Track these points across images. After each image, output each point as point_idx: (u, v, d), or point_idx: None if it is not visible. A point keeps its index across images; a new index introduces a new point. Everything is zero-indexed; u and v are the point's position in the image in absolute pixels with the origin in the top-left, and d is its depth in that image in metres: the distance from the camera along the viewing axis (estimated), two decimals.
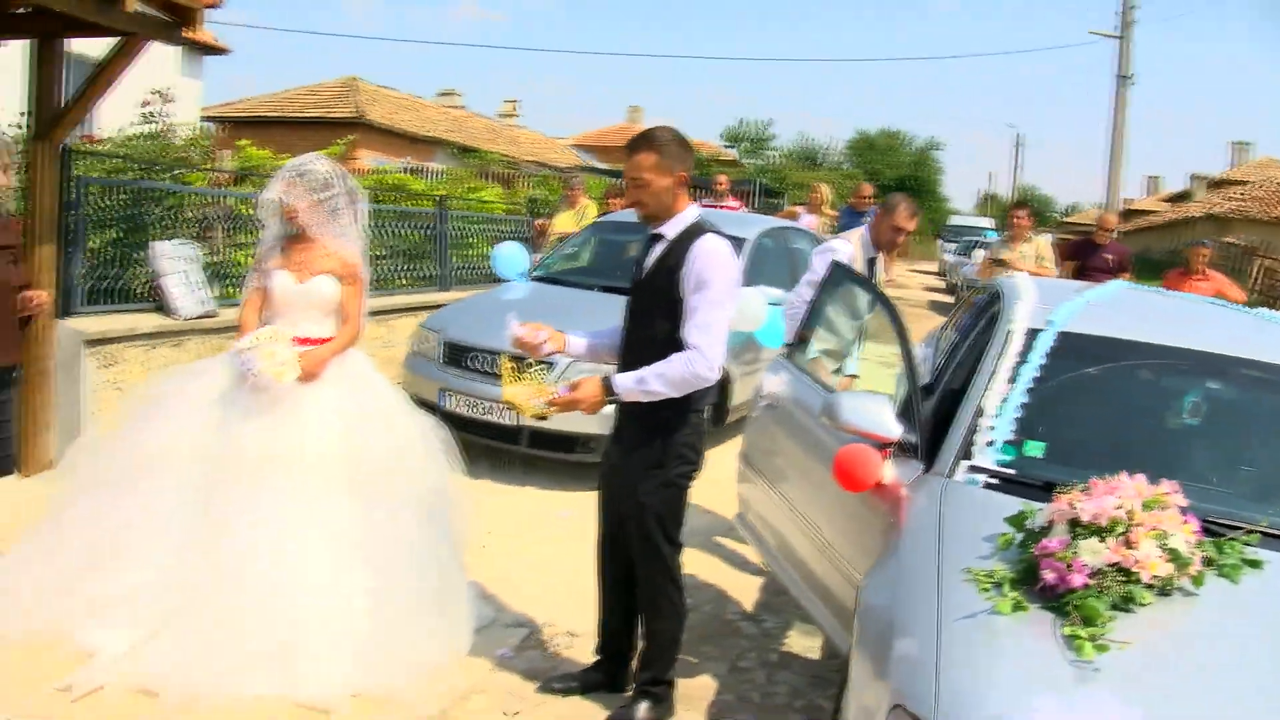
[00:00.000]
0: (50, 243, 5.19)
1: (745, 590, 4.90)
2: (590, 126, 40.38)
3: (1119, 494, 2.57)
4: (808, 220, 10.65)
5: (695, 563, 5.18)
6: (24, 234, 5.14)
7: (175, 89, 8.98)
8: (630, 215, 7.79)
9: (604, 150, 37.71)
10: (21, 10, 5.05)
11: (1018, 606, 2.44)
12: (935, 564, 2.66)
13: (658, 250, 3.42)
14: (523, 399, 3.39)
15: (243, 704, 3.34)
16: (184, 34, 5.20)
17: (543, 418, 3.45)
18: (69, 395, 5.46)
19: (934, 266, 34.74)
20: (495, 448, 6.52)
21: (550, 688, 3.74)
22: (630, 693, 3.63)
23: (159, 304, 6.21)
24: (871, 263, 5.28)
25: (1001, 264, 7.88)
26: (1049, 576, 2.46)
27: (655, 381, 3.25)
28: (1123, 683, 2.14)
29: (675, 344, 3.31)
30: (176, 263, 6.25)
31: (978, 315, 4.48)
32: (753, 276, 7.26)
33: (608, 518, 3.68)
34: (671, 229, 3.39)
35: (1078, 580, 2.42)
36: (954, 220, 35.43)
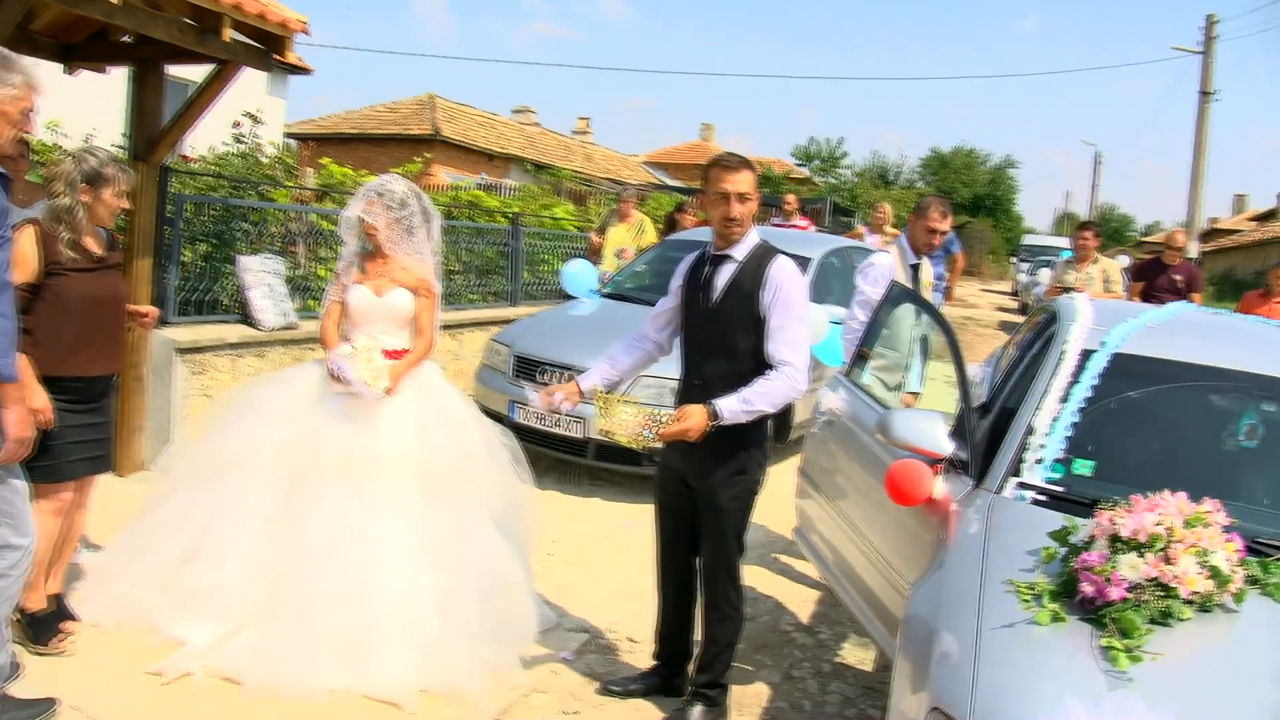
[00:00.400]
0: (147, 257, 5.52)
1: (801, 602, 5.00)
2: (663, 144, 40.57)
3: (1159, 511, 2.63)
4: (872, 240, 10.69)
5: (753, 575, 5.27)
6: (125, 249, 5.49)
7: (261, 108, 9.38)
8: (699, 234, 7.99)
9: (676, 167, 37.97)
10: (126, 39, 5.39)
11: (1056, 618, 2.52)
12: (978, 575, 2.75)
13: (728, 271, 3.56)
14: (623, 430, 3.50)
15: (317, 695, 3.53)
16: (274, 59, 5.49)
17: (645, 447, 3.55)
18: (160, 400, 5.79)
19: (1007, 286, 34.23)
20: (563, 460, 6.70)
21: (609, 690, 3.89)
22: (686, 696, 3.75)
23: (245, 315, 6.54)
24: (915, 269, 5.31)
25: (1068, 289, 7.81)
26: (1087, 589, 2.54)
27: (759, 401, 3.41)
28: (1154, 692, 2.21)
29: (757, 361, 3.48)
30: (262, 276, 6.57)
31: (1036, 335, 4.53)
32: (818, 295, 7.34)
33: (668, 524, 3.82)
34: (740, 250, 3.55)
35: (1115, 593, 2.50)
36: (1029, 240, 34.86)
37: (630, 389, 5.61)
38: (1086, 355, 3.66)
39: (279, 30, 5.13)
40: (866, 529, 4.01)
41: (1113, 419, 3.51)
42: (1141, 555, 2.56)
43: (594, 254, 10.14)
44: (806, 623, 4.77)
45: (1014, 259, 35.55)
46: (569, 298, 8.12)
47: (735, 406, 3.41)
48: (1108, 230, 50.50)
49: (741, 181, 3.50)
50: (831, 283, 7.78)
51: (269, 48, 5.28)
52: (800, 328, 3.48)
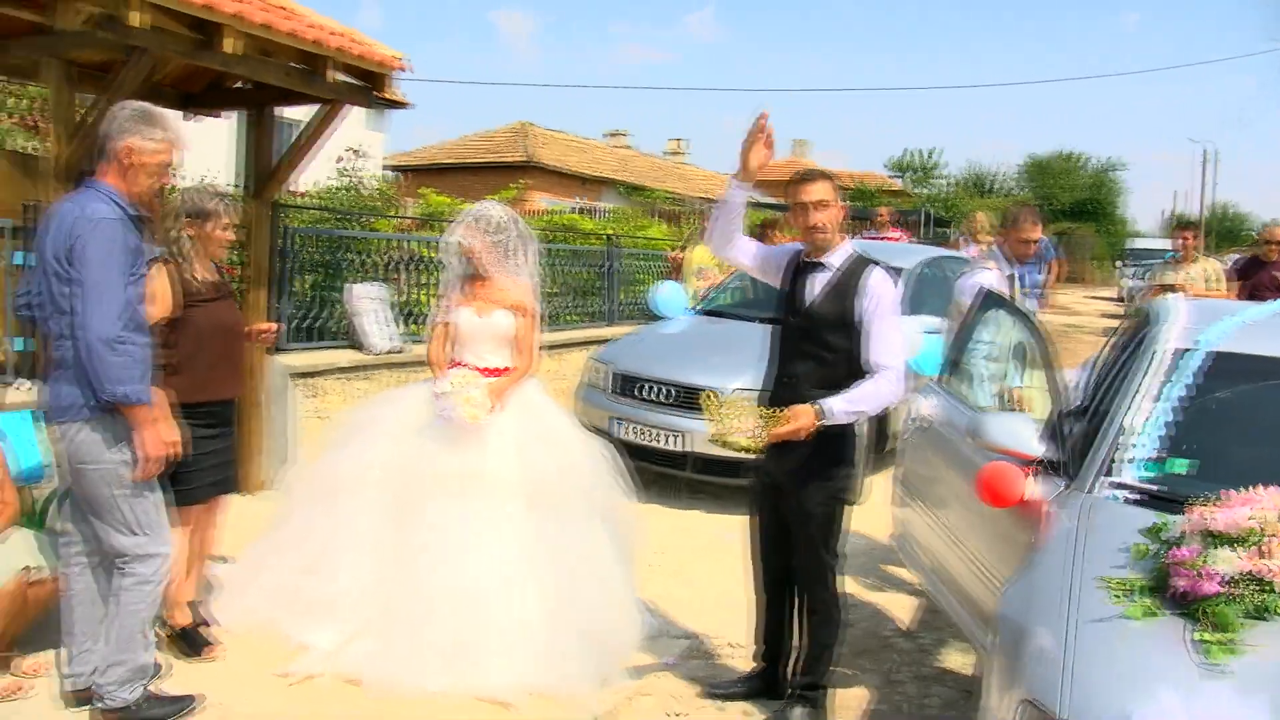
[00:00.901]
0: (262, 287, 5.87)
1: (902, 608, 5.03)
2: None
3: (1253, 506, 2.63)
4: (969, 249, 10.58)
5: (854, 582, 5.33)
6: (240, 280, 5.84)
7: (362, 143, 9.80)
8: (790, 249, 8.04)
9: (770, 184, 37.81)
10: (239, 85, 5.75)
11: (1149, 612, 2.53)
12: (1070, 573, 2.77)
13: (823, 278, 3.67)
14: (733, 434, 3.61)
15: (433, 696, 3.72)
16: (375, 96, 5.79)
17: (756, 450, 3.66)
18: (278, 423, 6.13)
19: (1113, 292, 33.23)
20: (664, 473, 6.83)
21: (712, 693, 3.99)
22: (787, 698, 3.83)
23: (353, 341, 6.86)
24: (1012, 279, 5.35)
25: (1169, 288, 7.65)
26: (1181, 584, 2.55)
27: (863, 402, 3.55)
28: (1249, 682, 2.21)
29: (852, 366, 3.59)
30: (368, 303, 6.89)
31: (1131, 337, 4.50)
32: (912, 306, 7.36)
33: (765, 530, 3.92)
34: (835, 259, 3.66)
35: (1210, 587, 2.50)
36: (1135, 244, 33.82)
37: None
38: (1181, 354, 3.64)
39: (379, 69, 5.42)
40: (962, 533, 4.04)
41: (1208, 417, 3.48)
42: (1235, 550, 2.56)
43: (675, 271, 9.93)
44: (907, 629, 4.80)
45: (1119, 264, 34.54)
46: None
47: (842, 406, 3.51)
48: (1221, 230, 48.60)
49: (816, 190, 3.63)
50: (926, 293, 7.76)
51: (370, 85, 5.57)
52: (897, 335, 3.61)
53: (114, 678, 3.36)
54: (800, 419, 3.48)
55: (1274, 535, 2.58)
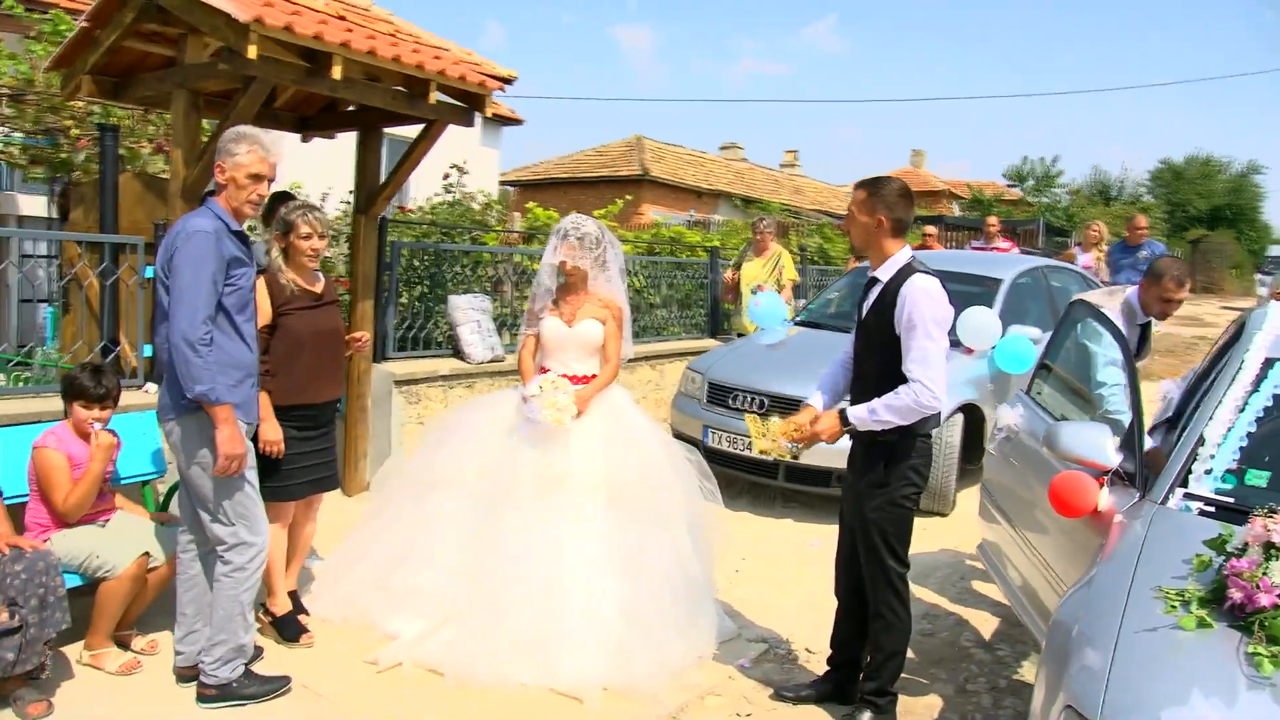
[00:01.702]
0: (369, 299, 6.17)
1: (984, 621, 4.98)
2: (872, 172, 39.96)
3: None
4: (1084, 259, 10.31)
5: (938, 593, 5.33)
6: (349, 293, 6.16)
7: (476, 158, 10.13)
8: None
9: None
10: (350, 108, 6.09)
11: (1202, 624, 2.51)
12: (1128, 582, 2.76)
13: (875, 292, 3.72)
14: (773, 446, 3.82)
15: (509, 687, 3.88)
16: (476, 116, 6.03)
17: (795, 456, 3.83)
18: (381, 427, 6.44)
19: (1251, 302, 31.58)
20: (757, 482, 6.90)
21: (781, 695, 4.05)
22: (855, 704, 3.86)
23: (455, 350, 7.14)
24: (1144, 328, 5.09)
25: None
26: (1236, 595, 2.52)
27: (885, 412, 3.58)
28: None
29: (893, 377, 3.60)
30: (470, 314, 7.16)
31: (1225, 346, 4.38)
32: (1011, 316, 7.26)
33: (845, 536, 3.98)
34: (885, 271, 3.69)
35: (1265, 600, 2.47)
36: (1276, 250, 32.06)
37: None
38: (1270, 364, 3.56)
39: (478, 90, 5.65)
40: (1039, 543, 4.01)
41: None
42: None
43: (729, 291, 9.70)
44: (988, 640, 4.75)
45: (1260, 273, 32.82)
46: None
47: (862, 414, 3.61)
48: None
49: (851, 199, 3.77)
50: (1026, 304, 7.63)
51: (470, 105, 5.82)
52: (928, 344, 3.53)
53: (215, 656, 3.64)
54: (821, 423, 3.70)
55: None
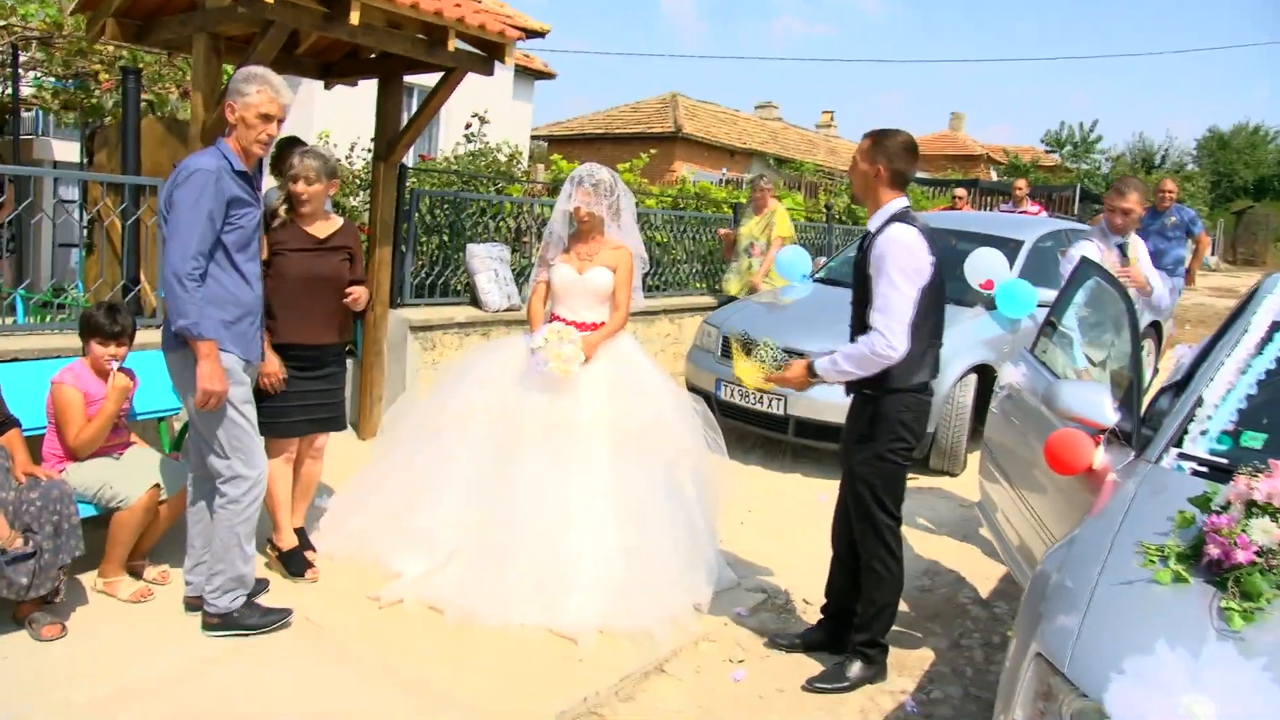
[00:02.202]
0: (387, 245, 6.23)
1: (984, 578, 5.01)
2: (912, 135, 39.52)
3: None
4: None
5: (941, 550, 5.37)
6: (368, 239, 6.21)
7: (508, 111, 10.13)
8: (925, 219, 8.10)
9: (925, 159, 36.90)
10: (371, 55, 6.11)
11: (1179, 579, 2.52)
12: (1112, 537, 2.77)
13: (868, 243, 3.72)
14: (748, 375, 3.97)
15: (509, 628, 3.97)
16: (497, 66, 6.04)
17: (765, 391, 3.94)
18: (396, 372, 6.54)
19: None
20: (767, 437, 6.93)
21: (775, 643, 4.12)
22: (846, 653, 3.92)
23: (473, 298, 7.21)
24: (1122, 248, 5.43)
25: None
26: (1213, 551, 2.53)
27: (844, 362, 3.61)
28: (1256, 646, 2.21)
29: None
30: (488, 262, 7.22)
31: (1237, 311, 4.35)
32: (1031, 278, 7.19)
33: (842, 490, 4.02)
34: (875, 222, 3.69)
35: (1242, 556, 2.47)
36: None
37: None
38: (1277, 327, 3.54)
39: (497, 39, 5.65)
40: (1036, 502, 4.03)
41: None
42: (1275, 520, 2.52)
43: (728, 249, 9.63)
44: (985, 597, 4.79)
45: None
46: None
47: (826, 364, 3.66)
48: None
49: (856, 148, 3.79)
50: (1048, 266, 7.54)
51: (490, 55, 5.82)
52: (891, 293, 3.52)
53: (215, 585, 3.75)
54: (791, 370, 3.81)
55: None
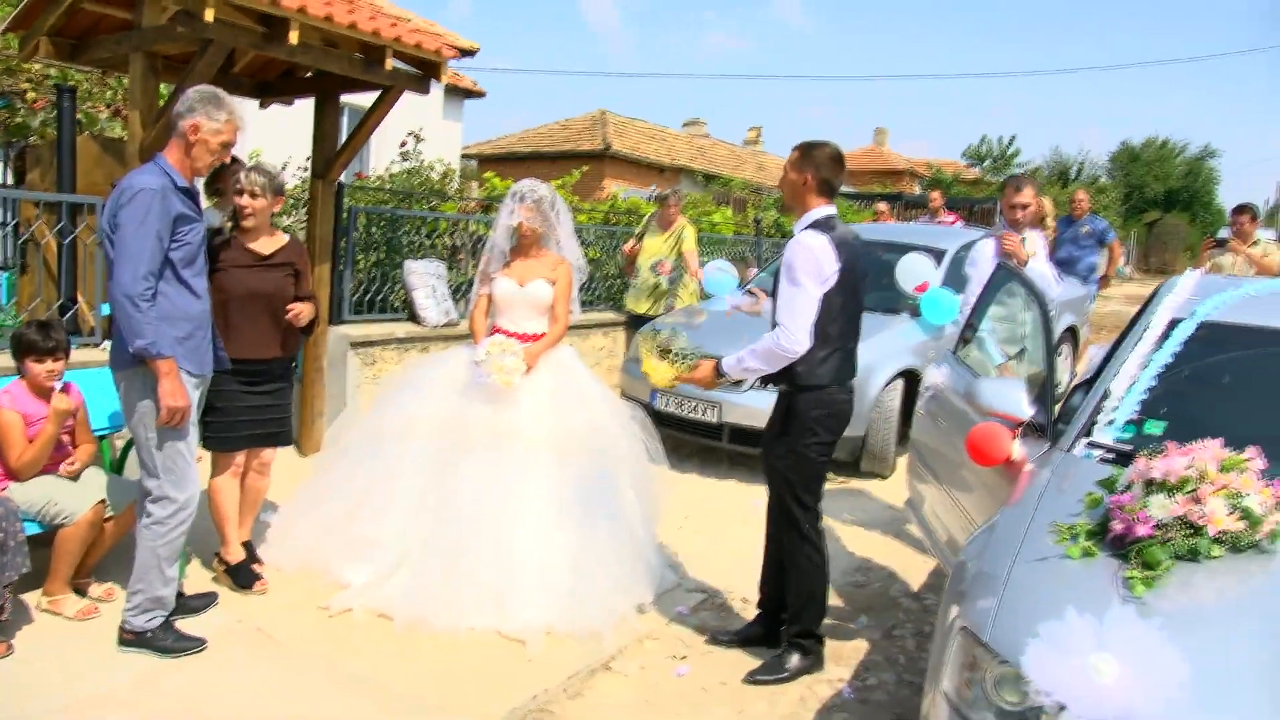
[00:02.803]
0: (326, 262, 6.29)
1: (914, 572, 5.23)
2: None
3: (1192, 455, 2.81)
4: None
5: (873, 546, 5.58)
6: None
7: (438, 131, 10.20)
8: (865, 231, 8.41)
9: (850, 174, 37.47)
10: (308, 75, 6.18)
11: (1087, 553, 2.73)
12: (1028, 519, 2.98)
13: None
14: (656, 373, 4.18)
15: (458, 632, 4.07)
16: (433, 85, 6.15)
17: (670, 388, 4.13)
18: (336, 388, 6.59)
19: None
20: (704, 446, 7.10)
21: (716, 639, 4.27)
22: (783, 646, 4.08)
23: (411, 314, 7.29)
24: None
25: (1223, 244, 7.85)
26: (1117, 527, 2.74)
27: (750, 358, 3.82)
28: (1153, 608, 2.41)
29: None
30: (425, 278, 7.31)
31: (1141, 311, 4.63)
32: (955, 286, 7.50)
33: (768, 485, 4.19)
34: (798, 227, 3.88)
35: (1142, 530, 2.69)
36: (1225, 233, 32.66)
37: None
38: (1174, 324, 3.80)
39: (434, 57, 5.77)
40: (963, 498, 4.24)
41: (1191, 383, 3.63)
42: (1171, 496, 2.74)
43: (629, 264, 9.08)
44: (915, 591, 5.00)
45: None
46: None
47: (732, 362, 3.87)
48: None
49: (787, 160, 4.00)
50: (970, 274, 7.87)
51: (426, 73, 5.93)
52: (795, 292, 3.71)
53: (134, 604, 3.77)
54: (700, 370, 4.02)
55: (1210, 483, 2.75)
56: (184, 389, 3.63)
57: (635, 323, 8.72)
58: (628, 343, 8.60)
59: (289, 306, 4.43)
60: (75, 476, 4.12)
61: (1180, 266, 39.14)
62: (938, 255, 7.83)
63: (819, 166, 3.85)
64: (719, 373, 3.95)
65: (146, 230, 3.50)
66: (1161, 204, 42.03)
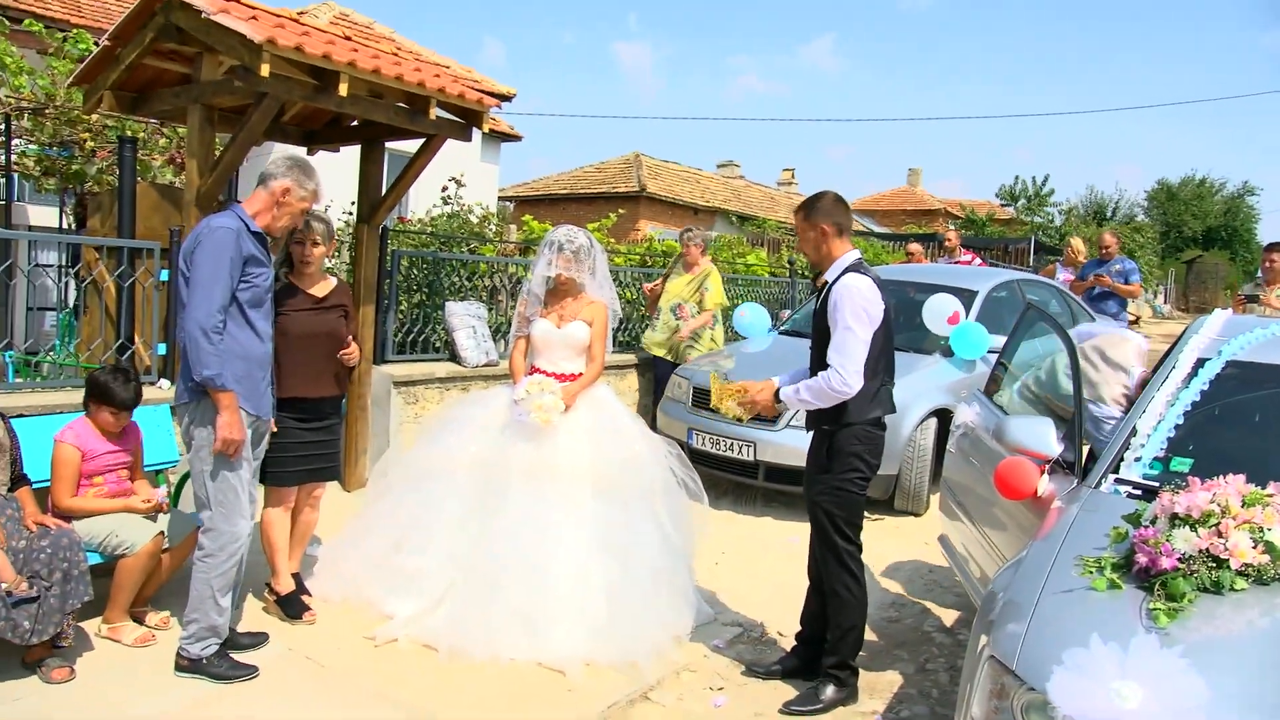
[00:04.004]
0: (370, 304, 6.50)
1: (949, 609, 5.29)
2: (869, 191, 40.47)
3: (1215, 491, 2.89)
4: (1064, 275, 10.67)
5: (907, 585, 5.63)
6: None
7: (475, 174, 10.44)
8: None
9: (883, 214, 37.82)
10: (354, 123, 6.42)
11: (1113, 585, 2.81)
12: (1055, 552, 3.06)
13: (823, 293, 4.04)
14: (724, 405, 4.26)
15: (499, 662, 4.18)
16: (474, 131, 6.36)
17: (740, 419, 4.23)
18: (380, 426, 6.77)
19: None
20: (740, 483, 7.20)
21: (752, 671, 4.35)
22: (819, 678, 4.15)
23: (452, 354, 7.48)
24: None
25: (1254, 300, 7.78)
26: (1142, 560, 2.82)
27: (805, 392, 3.94)
28: (1177, 639, 2.49)
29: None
30: (466, 319, 7.50)
31: (1170, 350, 4.70)
32: (986, 325, 7.59)
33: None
34: (832, 273, 4.01)
35: (1167, 563, 2.77)
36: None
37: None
38: (1201, 363, 3.88)
39: (476, 106, 5.99)
40: (994, 536, 4.31)
41: (1217, 421, 3.71)
42: (1194, 530, 2.82)
43: (650, 305, 8.97)
44: (949, 626, 5.05)
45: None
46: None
47: (790, 393, 4.00)
48: None
49: (797, 223, 4.17)
50: (1002, 314, 7.93)
51: (468, 121, 6.15)
52: (846, 335, 3.86)
53: (189, 632, 3.92)
54: (759, 391, 4.12)
55: (1233, 517, 2.83)
56: (241, 423, 3.80)
57: (658, 364, 8.75)
58: (657, 383, 8.69)
59: (344, 349, 4.65)
60: (152, 514, 4.29)
61: (1221, 305, 38.81)
62: (969, 295, 7.92)
63: (827, 214, 4.04)
64: (776, 398, 4.09)
65: (221, 266, 3.71)
66: (1200, 242, 41.81)
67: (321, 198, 4.02)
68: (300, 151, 6.71)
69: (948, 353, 7.49)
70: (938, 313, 7.40)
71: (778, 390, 4.11)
